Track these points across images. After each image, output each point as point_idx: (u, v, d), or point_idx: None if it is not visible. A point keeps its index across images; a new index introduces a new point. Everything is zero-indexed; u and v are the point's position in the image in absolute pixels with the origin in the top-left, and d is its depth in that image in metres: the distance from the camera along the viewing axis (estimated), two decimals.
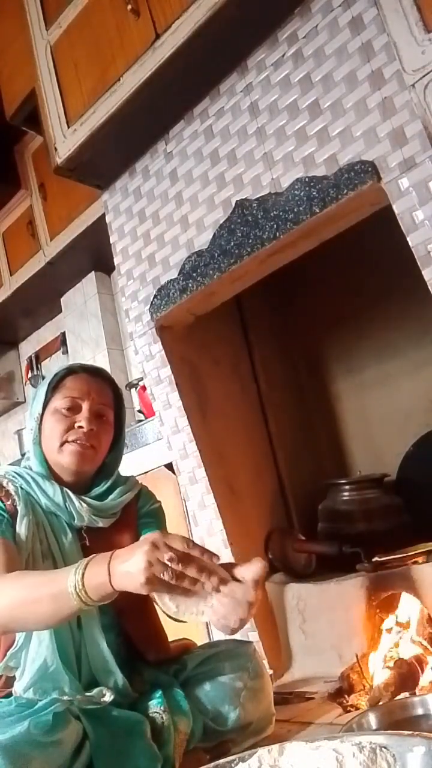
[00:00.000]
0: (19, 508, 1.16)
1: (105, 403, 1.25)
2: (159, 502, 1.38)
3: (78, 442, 1.19)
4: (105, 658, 1.13)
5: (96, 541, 1.21)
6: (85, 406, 1.21)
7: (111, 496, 1.26)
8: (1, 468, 1.28)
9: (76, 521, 1.19)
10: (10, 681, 1.12)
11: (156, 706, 1.12)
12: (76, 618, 1.11)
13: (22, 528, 1.13)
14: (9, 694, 1.11)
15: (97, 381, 1.26)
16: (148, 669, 1.23)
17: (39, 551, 1.14)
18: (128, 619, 1.21)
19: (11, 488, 1.18)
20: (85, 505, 1.20)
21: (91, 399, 1.22)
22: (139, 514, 1.32)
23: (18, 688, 1.09)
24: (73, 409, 1.21)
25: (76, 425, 1.20)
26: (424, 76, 1.29)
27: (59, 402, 1.22)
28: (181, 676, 1.22)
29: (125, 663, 1.19)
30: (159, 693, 1.15)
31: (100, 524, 1.21)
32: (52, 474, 1.22)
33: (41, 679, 1.07)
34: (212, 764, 0.81)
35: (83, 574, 0.92)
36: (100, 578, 0.91)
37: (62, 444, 1.20)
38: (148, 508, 1.33)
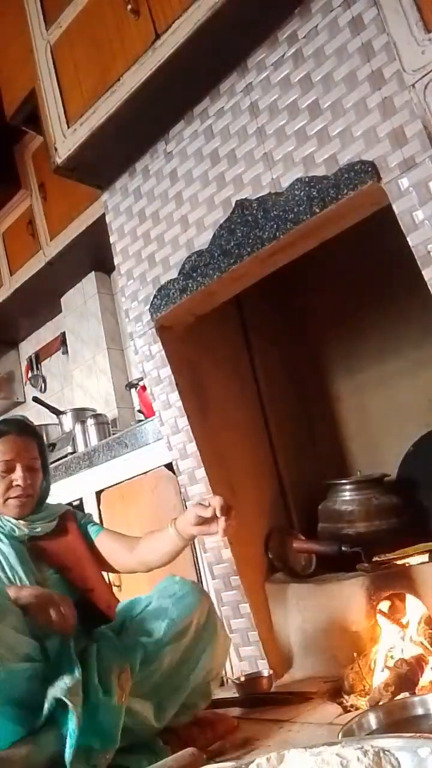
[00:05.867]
0: None
1: (33, 456, 1.50)
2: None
3: (18, 497, 1.45)
4: None
5: (43, 548, 1.44)
6: (18, 466, 1.45)
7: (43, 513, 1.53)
8: None
9: (17, 533, 1.42)
10: None
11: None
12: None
13: None
14: None
15: (24, 439, 1.49)
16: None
17: None
18: (73, 575, 1.43)
19: None
20: (22, 521, 1.45)
21: (22, 458, 1.46)
22: (80, 523, 1.57)
23: None
24: (8, 470, 1.45)
25: (14, 483, 1.44)
26: (424, 76, 1.29)
27: None
28: (128, 624, 1.37)
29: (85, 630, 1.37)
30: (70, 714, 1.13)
31: (39, 529, 1.45)
32: None
33: None
34: None
35: None
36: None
37: (5, 500, 1.45)
38: (86, 520, 1.60)
